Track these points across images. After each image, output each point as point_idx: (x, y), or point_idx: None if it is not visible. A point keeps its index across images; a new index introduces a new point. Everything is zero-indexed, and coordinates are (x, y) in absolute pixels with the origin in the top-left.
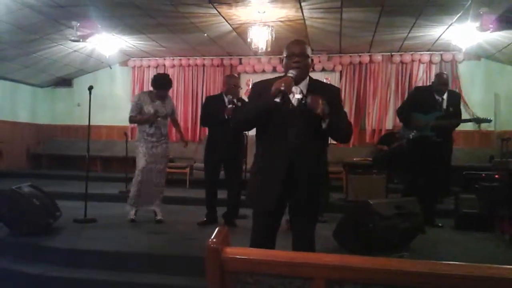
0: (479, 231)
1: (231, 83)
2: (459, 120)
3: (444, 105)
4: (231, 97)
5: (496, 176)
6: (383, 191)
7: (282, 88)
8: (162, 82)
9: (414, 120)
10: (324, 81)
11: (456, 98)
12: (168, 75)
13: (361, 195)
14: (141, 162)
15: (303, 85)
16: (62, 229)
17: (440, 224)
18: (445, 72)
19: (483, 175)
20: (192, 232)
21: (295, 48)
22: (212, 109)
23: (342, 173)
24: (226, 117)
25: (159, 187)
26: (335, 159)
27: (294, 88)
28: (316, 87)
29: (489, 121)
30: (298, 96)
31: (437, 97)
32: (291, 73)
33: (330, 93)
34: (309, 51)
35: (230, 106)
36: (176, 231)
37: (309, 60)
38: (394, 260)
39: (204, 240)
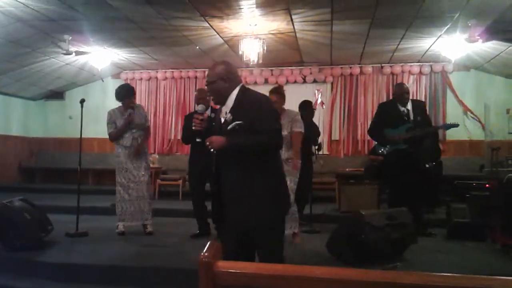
0: (471, 240)
1: (197, 96)
2: (430, 128)
3: (411, 115)
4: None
5: (487, 185)
6: (375, 202)
7: (195, 130)
8: (124, 92)
9: (388, 136)
10: (315, 92)
11: (420, 107)
12: (128, 84)
13: (354, 206)
14: (119, 178)
15: (229, 104)
16: (54, 243)
17: (432, 233)
18: (404, 83)
19: (474, 184)
20: (184, 245)
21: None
22: (188, 125)
23: (335, 184)
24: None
25: (146, 199)
26: (328, 170)
27: (222, 110)
28: (238, 104)
29: (457, 125)
30: (223, 116)
31: (401, 108)
32: (198, 108)
33: (248, 107)
34: (211, 77)
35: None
36: (168, 243)
37: (214, 84)
38: (387, 272)
39: (197, 252)
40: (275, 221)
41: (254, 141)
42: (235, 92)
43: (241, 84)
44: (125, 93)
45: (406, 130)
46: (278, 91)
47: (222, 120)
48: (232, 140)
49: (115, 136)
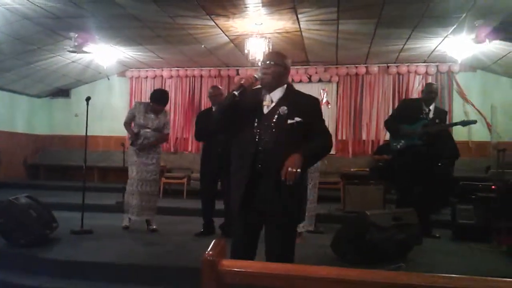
0: (476, 242)
1: (212, 94)
2: (445, 125)
3: (431, 115)
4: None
5: (493, 187)
6: (380, 202)
7: (242, 82)
8: (158, 97)
9: (402, 130)
10: (321, 92)
11: (442, 114)
12: (167, 92)
13: (359, 206)
14: (132, 172)
15: (276, 94)
16: (59, 241)
17: (437, 235)
18: (434, 83)
19: (480, 185)
20: (188, 243)
21: (264, 57)
22: (203, 123)
23: (340, 184)
24: None
25: (152, 196)
26: (333, 169)
27: (267, 97)
28: (290, 99)
29: (475, 122)
30: (267, 103)
31: (424, 107)
32: (256, 74)
33: (306, 105)
34: (279, 60)
35: None
36: (173, 242)
37: (278, 68)
38: (392, 273)
39: (201, 251)
40: (297, 221)
41: (323, 147)
42: (285, 86)
43: (287, 84)
44: (160, 99)
45: (422, 126)
46: None
47: (267, 108)
48: (309, 154)
49: (125, 127)
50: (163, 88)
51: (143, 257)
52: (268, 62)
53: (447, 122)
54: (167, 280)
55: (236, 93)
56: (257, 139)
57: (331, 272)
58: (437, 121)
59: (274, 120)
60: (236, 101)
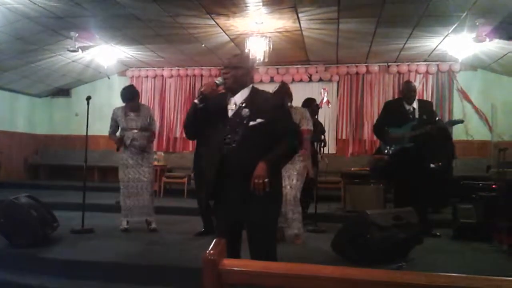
0: (477, 241)
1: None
2: (434, 125)
3: (416, 114)
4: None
5: (493, 186)
6: (381, 201)
7: (202, 90)
8: (126, 95)
9: (391, 135)
10: (321, 91)
11: (428, 106)
12: (132, 86)
13: (359, 205)
14: (122, 174)
15: (240, 96)
16: (59, 240)
17: (437, 234)
18: (411, 80)
19: (481, 185)
20: (189, 243)
21: (225, 61)
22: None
23: (340, 183)
24: None
25: (149, 196)
26: (333, 169)
27: (231, 100)
28: (253, 100)
29: (462, 121)
30: (231, 107)
31: (407, 107)
32: (218, 79)
33: (268, 106)
34: (238, 63)
35: None
36: (173, 241)
37: (238, 70)
38: (393, 272)
39: (201, 250)
40: (273, 220)
41: (285, 148)
42: (249, 88)
43: (252, 84)
44: (127, 95)
45: (411, 129)
46: (285, 90)
47: (231, 111)
48: (271, 159)
49: (110, 138)
50: (163, 87)
51: (144, 257)
52: (227, 66)
53: (437, 115)
54: (168, 280)
55: (196, 101)
56: (223, 143)
57: (332, 271)
58: (424, 117)
59: (237, 122)
60: (201, 109)
